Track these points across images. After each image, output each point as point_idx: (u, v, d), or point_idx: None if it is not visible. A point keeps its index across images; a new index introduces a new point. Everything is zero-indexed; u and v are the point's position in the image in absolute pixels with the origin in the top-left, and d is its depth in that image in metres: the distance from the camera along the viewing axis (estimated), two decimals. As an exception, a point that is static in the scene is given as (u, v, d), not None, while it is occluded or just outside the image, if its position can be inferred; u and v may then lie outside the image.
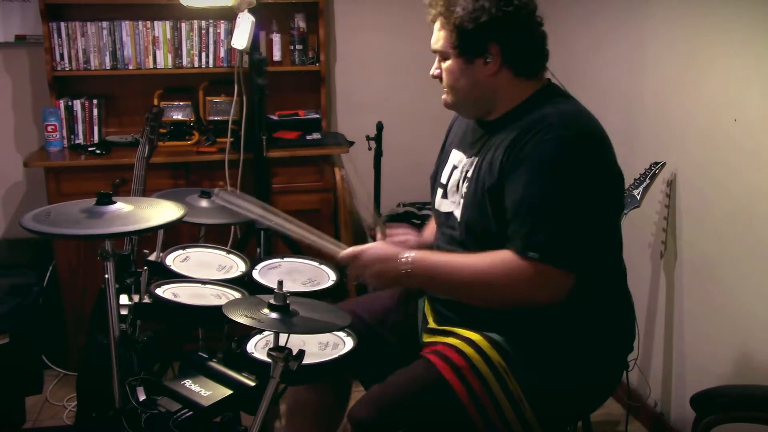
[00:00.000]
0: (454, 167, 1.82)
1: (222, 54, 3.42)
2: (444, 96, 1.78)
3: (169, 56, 3.39)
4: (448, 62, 1.71)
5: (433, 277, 1.68)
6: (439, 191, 1.85)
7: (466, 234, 1.72)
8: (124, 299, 1.88)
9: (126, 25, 3.35)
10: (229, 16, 3.26)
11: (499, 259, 1.60)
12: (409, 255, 1.67)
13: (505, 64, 1.67)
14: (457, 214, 1.75)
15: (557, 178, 1.58)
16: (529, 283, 1.57)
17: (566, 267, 1.57)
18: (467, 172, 1.75)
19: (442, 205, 1.83)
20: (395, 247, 1.73)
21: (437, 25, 1.71)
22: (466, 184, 1.74)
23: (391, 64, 3.73)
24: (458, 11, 1.64)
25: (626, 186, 2.51)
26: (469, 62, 1.68)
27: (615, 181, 1.69)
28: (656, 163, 2.51)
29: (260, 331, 1.75)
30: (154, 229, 1.62)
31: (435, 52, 1.74)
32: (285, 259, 2.09)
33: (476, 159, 1.73)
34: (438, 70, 1.75)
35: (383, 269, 1.69)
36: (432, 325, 1.83)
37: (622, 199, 1.75)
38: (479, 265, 1.63)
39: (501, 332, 1.70)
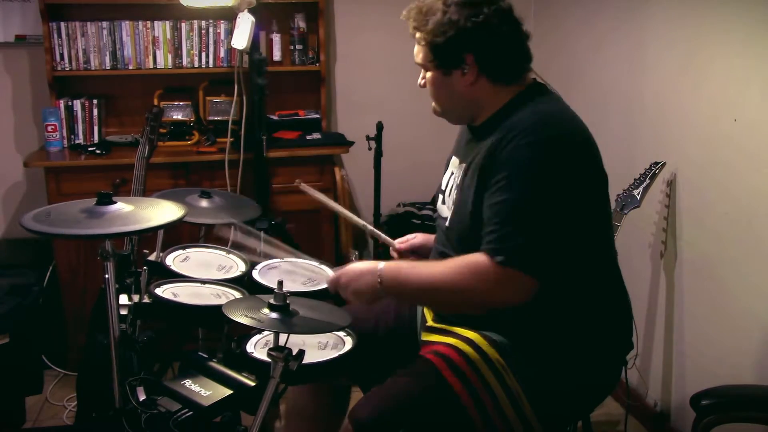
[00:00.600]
0: (452, 173, 1.83)
1: (222, 54, 3.42)
2: (432, 104, 1.81)
3: (169, 56, 3.39)
4: (429, 74, 1.73)
5: (402, 287, 1.69)
6: (440, 197, 1.87)
7: (452, 239, 1.75)
8: (124, 299, 1.88)
9: (126, 25, 3.35)
10: (229, 16, 3.26)
11: (465, 263, 1.61)
12: (380, 268, 1.69)
13: (482, 72, 1.68)
14: (447, 220, 1.78)
15: (531, 182, 1.57)
16: (493, 285, 1.57)
17: (531, 272, 1.56)
18: (457, 178, 1.77)
19: (442, 210, 1.84)
20: (370, 263, 1.73)
21: (417, 37, 1.72)
22: (456, 191, 1.76)
23: (391, 64, 3.73)
24: (429, 27, 1.66)
25: (624, 186, 2.52)
26: (447, 74, 1.70)
27: (596, 182, 1.68)
28: (656, 163, 2.51)
29: (260, 331, 1.75)
30: (154, 229, 1.62)
31: (417, 64, 1.76)
32: (285, 259, 2.09)
33: (464, 165, 1.75)
34: (423, 80, 1.77)
35: (359, 287, 1.72)
36: (430, 323, 1.83)
37: (607, 199, 1.73)
38: (445, 271, 1.63)
39: (499, 331, 1.70)
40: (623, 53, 2.86)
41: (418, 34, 1.71)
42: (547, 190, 1.57)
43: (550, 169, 1.58)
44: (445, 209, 1.82)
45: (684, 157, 2.49)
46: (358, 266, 1.74)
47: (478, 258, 1.59)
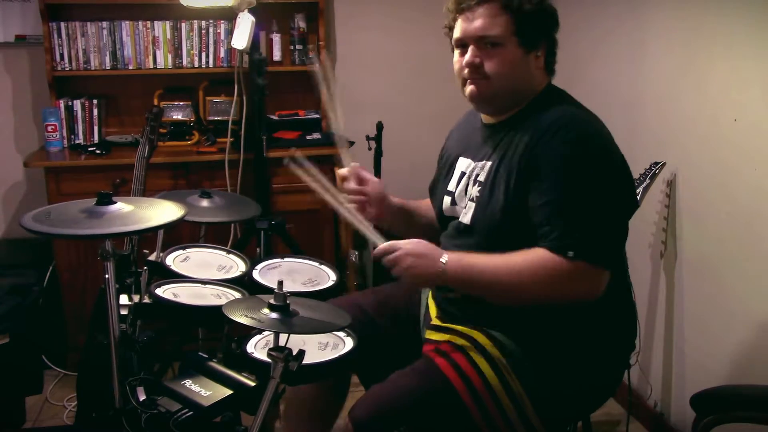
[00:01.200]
0: (462, 173, 1.81)
1: (222, 54, 3.42)
2: (474, 87, 1.70)
3: (169, 56, 3.39)
4: (502, 50, 1.66)
5: (469, 277, 1.64)
6: (447, 199, 1.85)
7: (477, 238, 1.72)
8: (124, 299, 1.88)
9: (126, 25, 3.35)
10: (229, 16, 3.26)
11: (535, 257, 1.59)
12: (445, 255, 1.65)
13: (546, 59, 1.71)
14: (466, 219, 1.75)
15: (585, 176, 1.59)
16: (567, 280, 1.58)
17: (600, 263, 1.59)
18: (478, 176, 1.74)
19: (453, 212, 1.83)
20: (431, 247, 1.69)
21: (488, 10, 1.65)
22: (477, 188, 1.73)
23: (391, 64, 3.73)
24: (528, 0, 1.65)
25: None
26: (527, 53, 1.68)
27: (630, 179, 1.73)
28: (656, 163, 2.51)
29: (260, 331, 1.75)
30: (154, 229, 1.62)
31: (482, 38, 1.67)
32: (285, 259, 2.09)
33: (489, 163, 1.72)
34: (477, 59, 1.68)
35: (417, 265, 1.64)
36: (435, 321, 1.83)
37: (635, 197, 1.75)
38: (516, 264, 1.60)
39: (504, 330, 1.70)
40: (623, 53, 2.86)
41: (496, 7, 1.65)
42: (599, 183, 1.60)
43: (600, 163, 1.61)
44: (457, 209, 1.80)
45: (684, 157, 2.49)
46: (419, 245, 1.67)
47: (544, 254, 1.58)
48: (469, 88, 1.71)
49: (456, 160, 1.86)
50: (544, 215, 1.59)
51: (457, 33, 1.72)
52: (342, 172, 1.91)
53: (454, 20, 1.73)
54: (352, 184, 1.89)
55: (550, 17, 1.70)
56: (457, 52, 1.75)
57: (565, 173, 1.59)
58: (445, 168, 1.90)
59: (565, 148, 1.60)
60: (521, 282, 1.60)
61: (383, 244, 1.70)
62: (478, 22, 1.66)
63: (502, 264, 1.62)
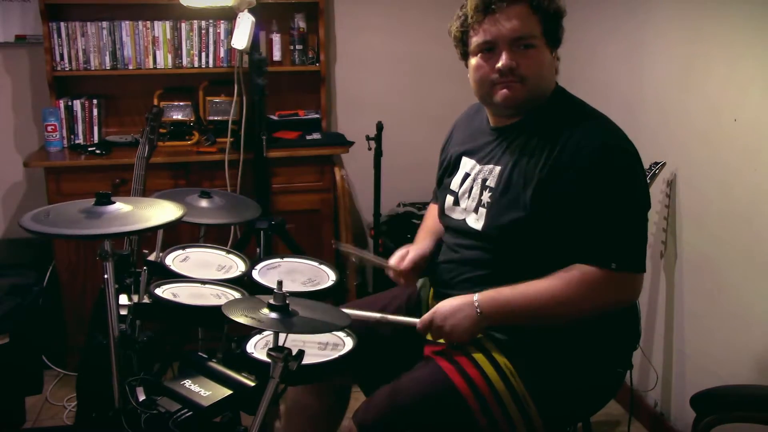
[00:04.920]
0: (467, 174, 1.80)
1: (222, 54, 3.42)
2: (507, 90, 1.66)
3: (169, 56, 3.39)
4: (535, 51, 1.65)
5: (510, 311, 1.64)
6: (449, 198, 1.84)
7: (490, 243, 1.71)
8: (123, 299, 1.88)
9: (126, 25, 3.35)
10: (229, 16, 3.26)
11: (575, 276, 1.59)
12: (476, 299, 1.65)
13: (558, 60, 1.72)
14: (474, 223, 1.74)
15: (615, 188, 1.60)
16: (613, 291, 1.60)
17: (640, 270, 1.62)
18: (486, 180, 1.73)
19: (454, 212, 1.82)
20: (458, 299, 1.68)
21: (518, 10, 1.63)
22: (488, 193, 1.72)
23: (391, 64, 3.73)
24: (552, 1, 1.65)
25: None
26: (552, 52, 1.69)
27: (646, 179, 1.77)
28: (656, 163, 2.51)
29: (260, 331, 1.75)
30: (153, 229, 1.62)
31: (518, 39, 1.64)
32: (285, 259, 2.08)
33: (498, 168, 1.72)
34: (513, 61, 1.64)
35: (457, 323, 1.66)
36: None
37: (650, 198, 1.76)
38: (554, 287, 1.60)
39: (507, 333, 1.69)
40: (623, 53, 2.86)
41: (525, 8, 1.63)
42: (630, 192, 1.62)
43: (628, 172, 1.63)
44: (460, 211, 1.79)
45: (684, 157, 2.49)
46: (449, 302, 1.68)
47: (585, 270, 1.58)
48: (503, 92, 1.67)
49: (460, 158, 1.85)
50: (581, 230, 1.59)
51: (482, 36, 1.66)
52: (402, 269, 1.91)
53: (478, 23, 1.66)
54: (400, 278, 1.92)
55: (562, 17, 1.70)
56: (478, 56, 1.69)
57: (598, 186, 1.59)
58: (450, 164, 1.89)
59: (597, 161, 1.60)
60: (568, 303, 1.60)
61: (419, 325, 1.72)
62: (512, 23, 1.62)
63: (541, 291, 1.61)
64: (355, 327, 1.75)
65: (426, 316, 1.71)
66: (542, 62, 1.67)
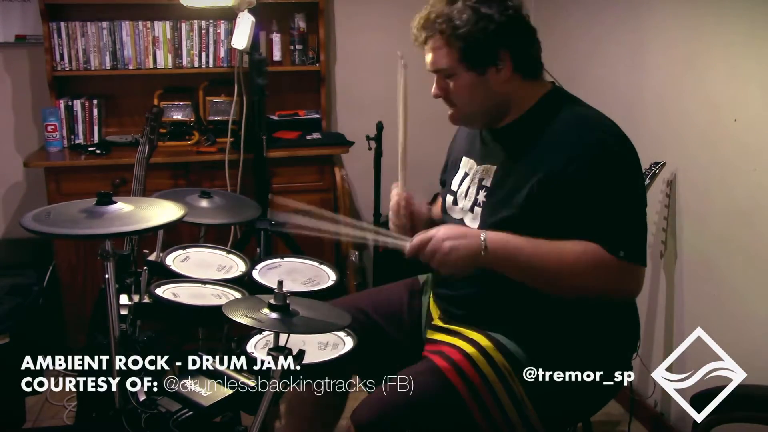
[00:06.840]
0: (466, 174, 1.81)
1: (222, 54, 3.42)
2: (451, 112, 1.74)
3: (169, 56, 3.40)
4: (456, 79, 1.67)
5: (514, 258, 1.60)
6: (449, 198, 1.84)
7: None
8: (124, 299, 1.88)
9: (126, 25, 3.35)
10: (229, 16, 3.26)
11: (589, 249, 1.58)
12: (482, 233, 1.61)
13: (516, 68, 1.66)
14: (471, 222, 1.74)
15: (617, 180, 1.60)
16: (618, 278, 1.60)
17: (644, 263, 1.63)
18: (482, 180, 1.74)
19: (454, 211, 1.83)
20: (466, 227, 1.67)
21: (433, 44, 1.68)
22: (483, 193, 1.72)
23: (391, 64, 3.67)
24: (461, 25, 1.62)
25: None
26: (482, 73, 1.66)
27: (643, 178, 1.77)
28: (656, 163, 2.51)
29: (260, 331, 1.75)
30: (154, 229, 1.62)
31: (437, 71, 1.70)
32: (285, 259, 2.09)
33: (493, 168, 1.72)
34: (439, 91, 1.71)
35: (458, 246, 1.60)
36: (437, 322, 1.83)
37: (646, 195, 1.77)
38: (566, 253, 1.59)
39: (506, 332, 1.69)
40: (623, 53, 2.86)
41: (439, 38, 1.66)
42: (633, 185, 1.64)
43: (629, 165, 1.64)
44: (458, 210, 1.80)
45: (684, 157, 2.49)
46: (453, 228, 1.65)
47: (595, 248, 1.57)
48: (448, 113, 1.76)
49: (461, 158, 1.86)
50: (589, 219, 1.59)
51: None
52: (395, 197, 1.88)
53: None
54: (401, 213, 1.87)
55: (495, 30, 1.63)
56: None
57: (600, 181, 1.59)
58: (453, 163, 1.90)
59: (596, 157, 1.60)
60: (573, 274, 1.59)
61: (415, 239, 1.65)
62: (428, 57, 1.70)
63: (553, 251, 1.59)
64: (356, 325, 1.75)
65: (421, 236, 1.64)
66: (465, 87, 1.67)
